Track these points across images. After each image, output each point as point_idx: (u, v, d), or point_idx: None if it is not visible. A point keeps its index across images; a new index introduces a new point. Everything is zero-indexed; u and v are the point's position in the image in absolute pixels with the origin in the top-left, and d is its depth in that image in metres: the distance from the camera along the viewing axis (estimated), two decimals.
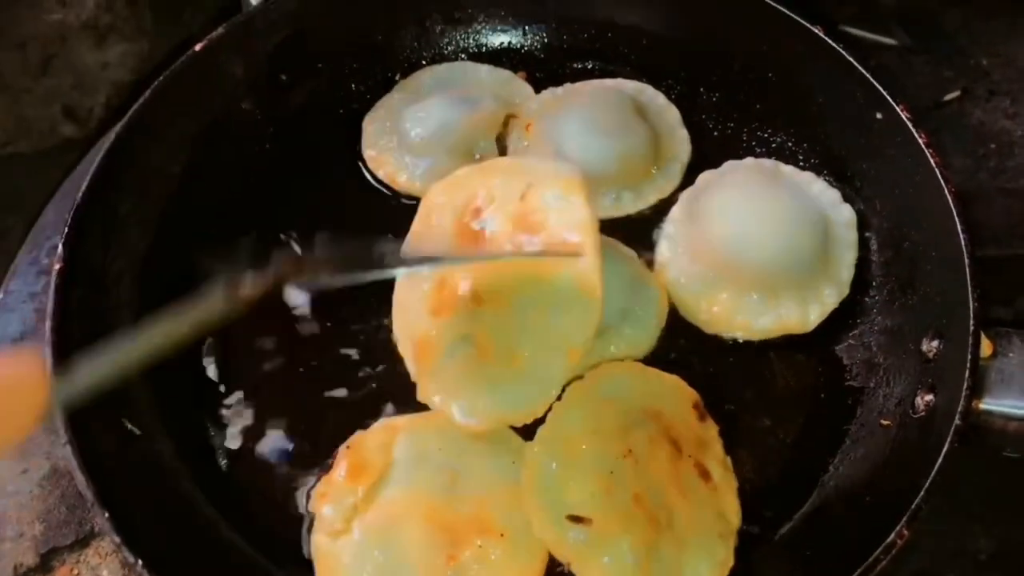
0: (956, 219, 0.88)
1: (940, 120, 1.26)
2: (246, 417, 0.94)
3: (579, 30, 1.20)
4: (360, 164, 1.11)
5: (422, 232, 0.88)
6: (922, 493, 0.77)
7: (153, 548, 0.78)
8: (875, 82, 0.99)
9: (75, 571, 0.94)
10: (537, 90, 1.16)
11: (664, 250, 1.02)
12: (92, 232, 0.93)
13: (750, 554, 0.85)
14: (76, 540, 0.95)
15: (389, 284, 0.93)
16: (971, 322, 0.83)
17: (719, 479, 0.87)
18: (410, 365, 0.90)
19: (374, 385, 0.95)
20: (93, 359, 0.60)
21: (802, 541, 0.87)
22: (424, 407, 0.87)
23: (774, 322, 0.96)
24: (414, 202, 0.94)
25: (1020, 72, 1.31)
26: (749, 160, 1.08)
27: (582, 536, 0.82)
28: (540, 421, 0.86)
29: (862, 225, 1.02)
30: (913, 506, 0.77)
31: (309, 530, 0.87)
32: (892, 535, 0.76)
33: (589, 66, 1.19)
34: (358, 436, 0.90)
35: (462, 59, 1.20)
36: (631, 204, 1.06)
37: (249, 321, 0.98)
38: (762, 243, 0.96)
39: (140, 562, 0.76)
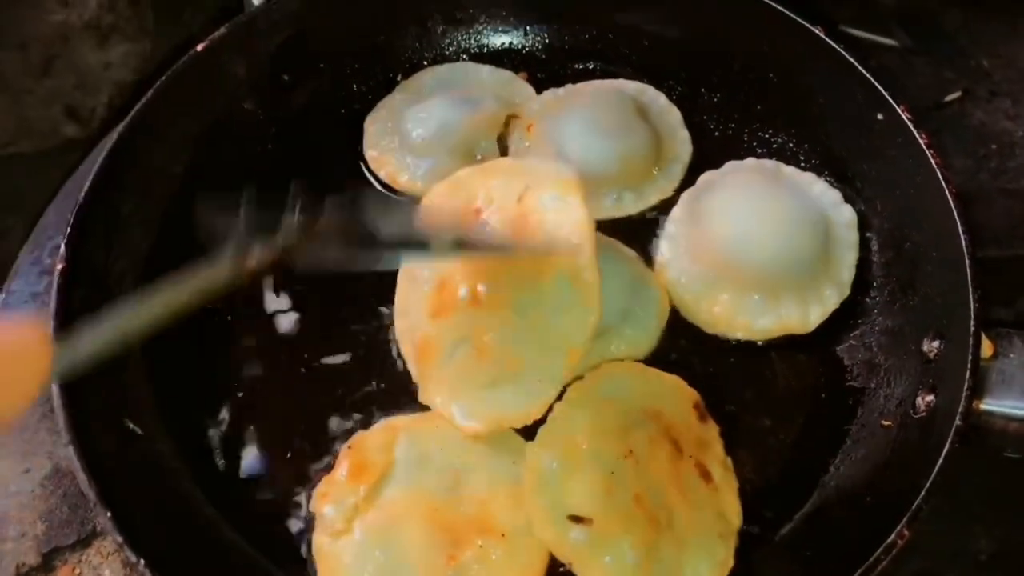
0: (957, 220, 0.89)
1: (941, 121, 1.26)
2: (246, 417, 0.94)
3: (580, 31, 1.20)
4: (362, 164, 1.11)
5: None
6: (923, 493, 0.77)
7: (154, 548, 0.78)
8: (876, 83, 0.98)
9: (77, 571, 0.94)
10: (538, 91, 1.16)
11: (665, 250, 1.02)
12: (94, 232, 0.93)
13: (750, 554, 0.85)
14: (78, 540, 0.95)
15: (389, 284, 0.93)
16: (972, 323, 0.83)
17: (719, 479, 0.87)
18: (412, 367, 0.90)
19: (375, 385, 0.95)
20: (95, 326, 0.59)
21: (802, 541, 0.87)
22: (426, 408, 0.87)
23: (775, 322, 0.96)
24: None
25: (1021, 73, 1.30)
26: (750, 161, 1.08)
27: (583, 536, 0.82)
28: (541, 421, 0.86)
29: (863, 226, 1.02)
30: (914, 506, 0.77)
31: (310, 530, 0.87)
32: (893, 535, 0.76)
33: (590, 67, 1.19)
34: (359, 436, 0.90)
35: (463, 60, 1.20)
36: (632, 204, 1.06)
37: (249, 321, 0.98)
38: (763, 243, 0.96)
39: (142, 562, 0.76)
